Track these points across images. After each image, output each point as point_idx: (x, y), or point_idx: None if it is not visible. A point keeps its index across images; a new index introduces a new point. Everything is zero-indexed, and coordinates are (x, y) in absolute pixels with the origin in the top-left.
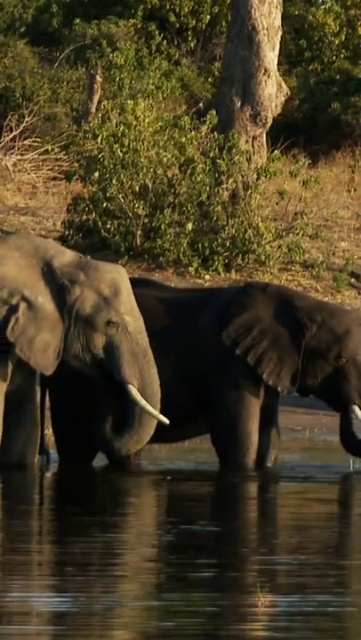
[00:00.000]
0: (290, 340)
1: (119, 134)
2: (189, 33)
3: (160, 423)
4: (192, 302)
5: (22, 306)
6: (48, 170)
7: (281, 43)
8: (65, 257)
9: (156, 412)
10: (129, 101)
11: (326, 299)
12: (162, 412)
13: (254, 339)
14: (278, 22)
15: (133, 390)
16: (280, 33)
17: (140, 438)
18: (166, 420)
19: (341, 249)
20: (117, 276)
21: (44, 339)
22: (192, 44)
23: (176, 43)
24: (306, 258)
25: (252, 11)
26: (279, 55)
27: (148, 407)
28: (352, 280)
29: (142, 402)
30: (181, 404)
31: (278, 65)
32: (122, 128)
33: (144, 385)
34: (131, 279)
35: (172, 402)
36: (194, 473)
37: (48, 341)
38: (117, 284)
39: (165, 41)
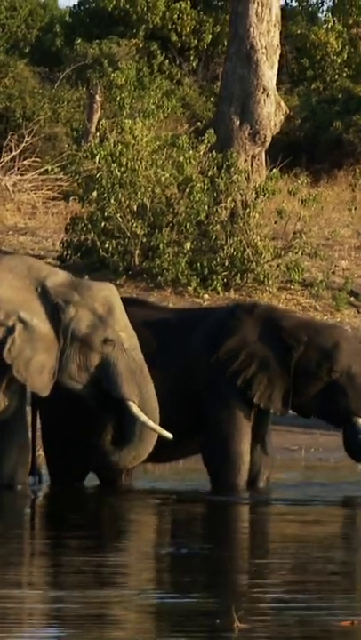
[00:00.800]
0: (278, 361)
1: (117, 154)
2: (191, 52)
3: (157, 441)
4: (183, 322)
5: (18, 327)
6: (48, 190)
7: (282, 61)
8: (58, 277)
9: (158, 427)
10: (127, 121)
11: (326, 318)
12: None
13: (243, 362)
14: (277, 41)
15: (134, 407)
16: (279, 51)
17: (138, 454)
18: (170, 435)
19: (342, 268)
20: (110, 293)
21: (39, 360)
22: (194, 64)
23: (178, 62)
24: (305, 277)
25: (251, 29)
26: (281, 74)
27: (151, 423)
28: (351, 299)
29: (144, 418)
30: (175, 423)
31: (280, 84)
32: (120, 147)
33: (143, 401)
34: (122, 299)
35: (165, 422)
36: (185, 493)
37: (44, 362)
38: (111, 301)
39: (167, 60)
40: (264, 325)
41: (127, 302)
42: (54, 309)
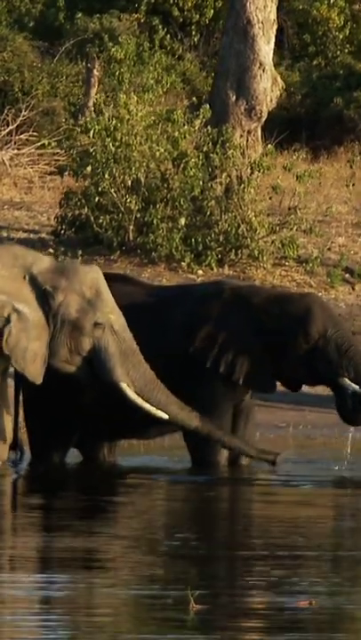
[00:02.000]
0: (254, 340)
1: (112, 128)
2: (193, 27)
3: (135, 420)
4: (165, 299)
5: (14, 317)
6: (45, 164)
7: (284, 37)
8: (43, 263)
9: (152, 408)
10: (121, 95)
11: (320, 294)
12: (133, 409)
13: (220, 348)
14: (273, 16)
15: (127, 389)
16: (275, 26)
17: None
18: (165, 415)
19: (338, 244)
20: (97, 276)
21: (33, 348)
22: (195, 39)
23: (179, 37)
24: (301, 253)
25: (247, 4)
26: (283, 50)
27: (144, 404)
28: (346, 275)
29: (137, 399)
30: None
31: (281, 59)
32: (114, 122)
33: (140, 378)
34: (105, 274)
35: None
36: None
37: (36, 350)
38: (98, 284)
39: (169, 35)
40: (235, 306)
41: (110, 278)
42: (43, 296)
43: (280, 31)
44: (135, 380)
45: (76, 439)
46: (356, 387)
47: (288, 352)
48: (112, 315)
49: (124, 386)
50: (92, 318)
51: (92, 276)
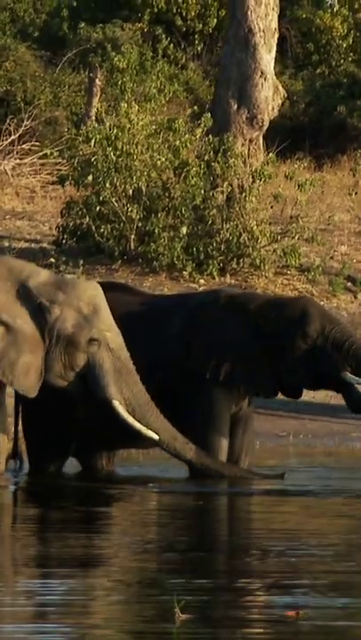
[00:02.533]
0: (253, 346)
1: (113, 137)
2: (196, 36)
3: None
4: (162, 308)
5: (1, 330)
6: (47, 174)
7: (287, 46)
8: (40, 277)
9: (143, 428)
10: (123, 104)
11: (322, 303)
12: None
13: (219, 358)
14: (275, 24)
15: (119, 407)
16: (277, 35)
17: None
18: (155, 436)
19: (341, 253)
20: (96, 292)
21: (25, 361)
22: (199, 48)
23: (182, 46)
24: (303, 262)
25: (249, 13)
26: (286, 58)
27: (136, 423)
28: (348, 284)
29: (129, 418)
30: None
31: (285, 68)
32: (115, 131)
33: (133, 398)
34: (102, 283)
35: None
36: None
37: (29, 363)
38: (96, 301)
39: (172, 45)
40: (231, 314)
41: (108, 287)
42: (38, 309)
43: (283, 40)
44: (128, 400)
45: (75, 448)
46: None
47: (287, 355)
48: (109, 332)
49: (116, 403)
50: (87, 334)
51: (90, 292)
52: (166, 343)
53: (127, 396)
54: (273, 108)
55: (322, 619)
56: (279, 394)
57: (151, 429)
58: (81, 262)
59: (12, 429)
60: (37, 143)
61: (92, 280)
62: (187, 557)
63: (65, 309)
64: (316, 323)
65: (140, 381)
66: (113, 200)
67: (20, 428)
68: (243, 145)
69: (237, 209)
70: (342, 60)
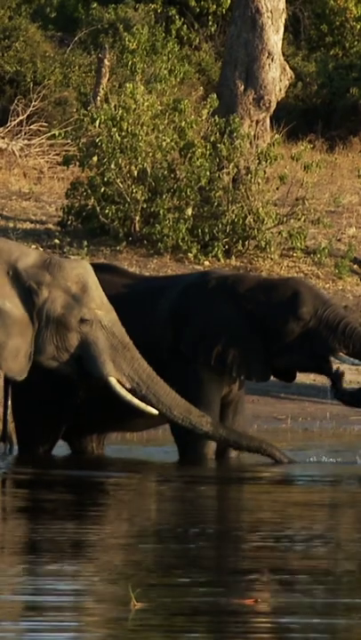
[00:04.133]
0: (244, 329)
1: (118, 118)
2: (210, 17)
3: (122, 412)
4: (151, 290)
5: None
6: (55, 155)
7: (301, 27)
8: (29, 258)
9: (142, 404)
10: (128, 84)
11: (328, 285)
12: (121, 402)
13: (210, 342)
14: (283, 5)
15: (116, 385)
16: (284, 15)
17: None
18: (154, 411)
19: (348, 235)
20: (83, 271)
21: (14, 344)
22: (212, 29)
23: (196, 27)
24: (310, 244)
25: None
26: (299, 40)
27: (134, 400)
28: (355, 266)
29: (127, 396)
30: None
31: (298, 50)
32: (120, 112)
33: (135, 373)
34: (93, 265)
35: (132, 392)
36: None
37: (19, 346)
38: (84, 279)
39: (185, 26)
40: (220, 298)
41: (97, 268)
42: (26, 292)
43: (297, 21)
44: (130, 376)
45: (64, 431)
46: (356, 360)
47: (280, 338)
48: (100, 310)
49: (113, 381)
50: (77, 314)
51: (77, 271)
52: (155, 325)
53: (128, 373)
54: (280, 90)
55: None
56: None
57: (162, 405)
58: (85, 244)
59: (2, 412)
60: (46, 124)
61: (81, 259)
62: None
63: (53, 291)
64: (308, 304)
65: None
66: (118, 181)
67: (9, 410)
68: (249, 126)
69: (243, 190)
70: (356, 42)
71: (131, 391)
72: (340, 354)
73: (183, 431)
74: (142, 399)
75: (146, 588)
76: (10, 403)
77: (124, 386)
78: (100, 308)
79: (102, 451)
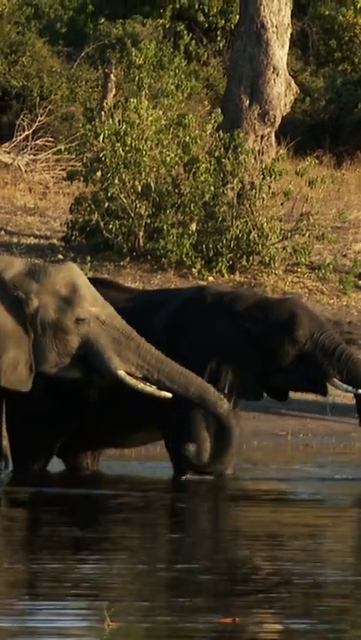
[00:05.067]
0: (239, 347)
1: (122, 133)
2: (218, 33)
3: (117, 428)
4: (147, 304)
5: None
6: (61, 170)
7: (309, 43)
8: (14, 268)
9: (155, 390)
10: (132, 99)
11: (332, 301)
12: (117, 416)
13: (204, 358)
14: (288, 20)
15: (126, 377)
16: (290, 30)
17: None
18: (168, 395)
19: (354, 251)
20: (70, 272)
21: (11, 357)
22: (220, 44)
23: (204, 43)
24: (315, 259)
25: (261, 8)
26: (307, 56)
27: (147, 388)
28: (360, 282)
29: (138, 384)
30: (135, 407)
31: (306, 65)
32: (124, 126)
33: (142, 361)
34: (89, 280)
35: (126, 405)
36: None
37: (17, 358)
38: (72, 280)
39: (194, 41)
40: (217, 315)
41: (94, 283)
42: (15, 302)
43: (305, 37)
44: (139, 365)
45: (59, 447)
46: (349, 387)
47: (276, 358)
48: (94, 307)
49: (122, 374)
50: (72, 316)
51: (64, 273)
52: (150, 340)
53: (136, 362)
54: (285, 105)
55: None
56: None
57: (177, 385)
58: (89, 259)
59: None
60: (52, 139)
61: (66, 262)
62: None
63: (43, 297)
64: (304, 327)
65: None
66: (122, 196)
67: (4, 426)
68: (254, 141)
69: (247, 206)
70: None
71: (144, 379)
72: (334, 379)
73: (177, 445)
74: (157, 384)
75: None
76: (4, 418)
77: (134, 376)
78: (94, 304)
79: (97, 467)
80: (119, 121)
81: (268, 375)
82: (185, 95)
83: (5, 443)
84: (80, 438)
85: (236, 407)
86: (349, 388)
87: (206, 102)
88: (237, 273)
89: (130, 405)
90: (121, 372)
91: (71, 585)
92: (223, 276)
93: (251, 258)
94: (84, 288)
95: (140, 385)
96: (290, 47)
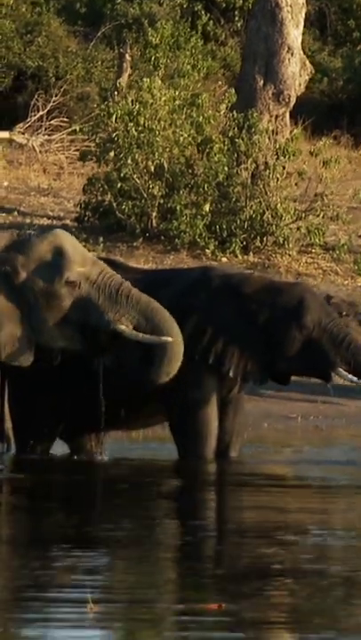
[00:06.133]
0: (246, 330)
1: (135, 113)
2: (236, 13)
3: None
4: (151, 283)
5: None
6: (75, 150)
7: (327, 23)
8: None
9: (157, 338)
10: (145, 79)
11: (346, 282)
12: (120, 398)
13: (210, 339)
14: None
15: (126, 329)
16: (304, 10)
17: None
18: (169, 338)
19: None
20: (54, 238)
21: (8, 332)
22: (238, 24)
23: (222, 23)
24: (329, 240)
25: None
26: (325, 36)
27: (147, 337)
28: None
29: (138, 336)
30: (138, 388)
31: (324, 45)
32: (137, 106)
33: (134, 311)
34: None
35: (128, 387)
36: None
37: (13, 332)
38: (57, 244)
39: (211, 21)
40: (225, 296)
41: None
42: (3, 278)
43: (323, 16)
44: (133, 317)
45: (62, 430)
46: (354, 378)
47: (282, 343)
48: (83, 267)
49: (121, 328)
50: (61, 279)
51: (49, 239)
52: None
53: (129, 315)
54: (300, 84)
55: None
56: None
57: (165, 328)
58: (101, 240)
59: None
60: (67, 119)
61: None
62: None
63: (29, 268)
64: (313, 313)
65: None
66: (135, 176)
67: (6, 408)
68: (268, 121)
69: (261, 186)
70: None
71: (135, 329)
72: (340, 369)
73: (181, 429)
74: (151, 332)
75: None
76: (6, 400)
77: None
78: (82, 265)
79: (101, 450)
80: (132, 101)
81: (273, 360)
82: (201, 75)
83: (8, 425)
84: (84, 420)
85: (241, 391)
86: (354, 378)
87: (223, 82)
88: (251, 254)
89: (129, 386)
90: (120, 327)
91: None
92: (237, 256)
93: (265, 238)
94: (70, 250)
95: (140, 335)
96: (307, 27)
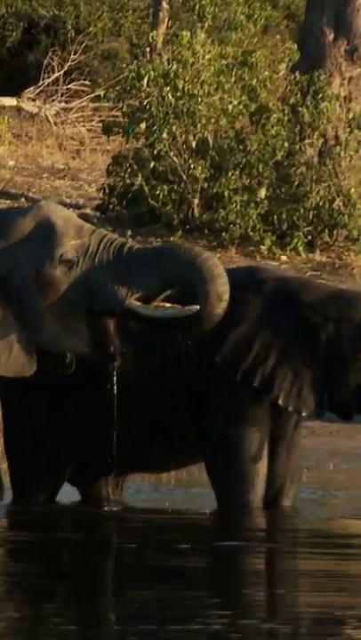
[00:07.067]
0: (303, 347)
1: (172, 75)
2: None
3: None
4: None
5: None
6: (99, 122)
7: None
8: None
9: (177, 311)
10: (184, 33)
11: None
12: (142, 432)
13: (257, 357)
14: None
15: (135, 305)
16: None
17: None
18: (195, 307)
19: None
20: (39, 211)
21: (0, 339)
22: None
23: None
24: None
25: None
26: None
27: (168, 310)
28: None
29: (150, 310)
30: (167, 422)
31: None
32: (175, 67)
33: (133, 282)
34: None
35: (156, 419)
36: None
37: (8, 338)
38: (44, 219)
39: None
40: (280, 303)
41: None
42: None
43: None
44: (135, 289)
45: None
46: None
47: (346, 367)
48: (78, 239)
49: (132, 305)
50: (55, 260)
51: (33, 213)
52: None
53: (137, 284)
54: None
55: None
56: None
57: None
58: (130, 233)
59: None
60: (89, 83)
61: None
62: None
63: (13, 252)
64: None
65: None
66: (171, 154)
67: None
68: (340, 85)
69: (331, 167)
70: None
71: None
72: None
73: (222, 472)
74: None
75: None
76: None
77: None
78: (77, 237)
79: (120, 497)
80: (169, 60)
81: (333, 387)
82: (258, 28)
83: (4, 466)
84: (97, 459)
85: (297, 426)
86: None
87: (285, 36)
88: (317, 251)
89: (157, 418)
90: (131, 305)
91: None
92: (299, 254)
93: (335, 232)
94: (60, 223)
95: (150, 310)
96: None
